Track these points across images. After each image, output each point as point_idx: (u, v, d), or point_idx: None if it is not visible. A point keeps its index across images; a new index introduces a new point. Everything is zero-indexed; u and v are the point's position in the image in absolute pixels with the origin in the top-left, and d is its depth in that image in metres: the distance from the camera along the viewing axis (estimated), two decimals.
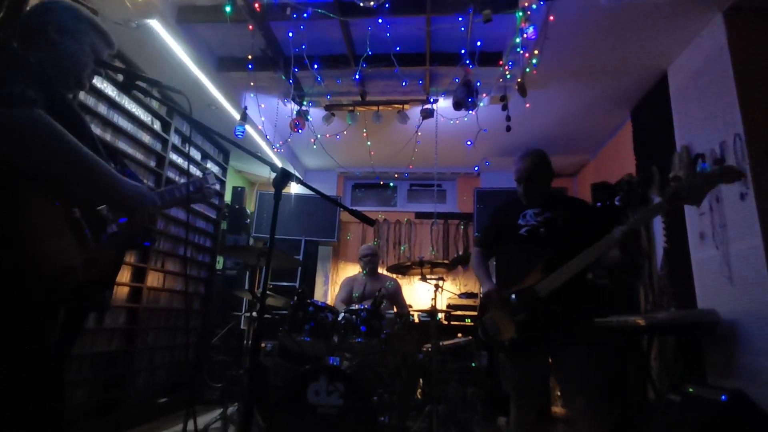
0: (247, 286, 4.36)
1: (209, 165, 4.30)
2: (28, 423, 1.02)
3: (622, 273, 3.38)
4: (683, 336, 2.64)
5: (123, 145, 3.06)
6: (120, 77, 1.35)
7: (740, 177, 1.48)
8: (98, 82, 2.79)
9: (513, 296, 1.84)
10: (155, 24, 2.68)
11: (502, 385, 1.95)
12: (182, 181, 1.55)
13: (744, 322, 2.25)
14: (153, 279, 3.38)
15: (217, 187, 1.71)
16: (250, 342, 2.88)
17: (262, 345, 3.07)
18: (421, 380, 3.14)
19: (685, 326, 2.49)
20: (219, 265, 4.60)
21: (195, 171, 3.89)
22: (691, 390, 2.17)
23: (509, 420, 1.92)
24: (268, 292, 2.60)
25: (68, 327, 1.16)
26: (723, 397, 1.96)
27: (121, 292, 3.08)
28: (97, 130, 2.82)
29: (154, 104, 3.37)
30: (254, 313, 2.75)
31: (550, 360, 1.89)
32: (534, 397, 1.89)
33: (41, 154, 0.98)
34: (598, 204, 3.81)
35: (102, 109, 2.86)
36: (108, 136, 2.92)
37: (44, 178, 1.01)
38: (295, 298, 2.72)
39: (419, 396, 3.17)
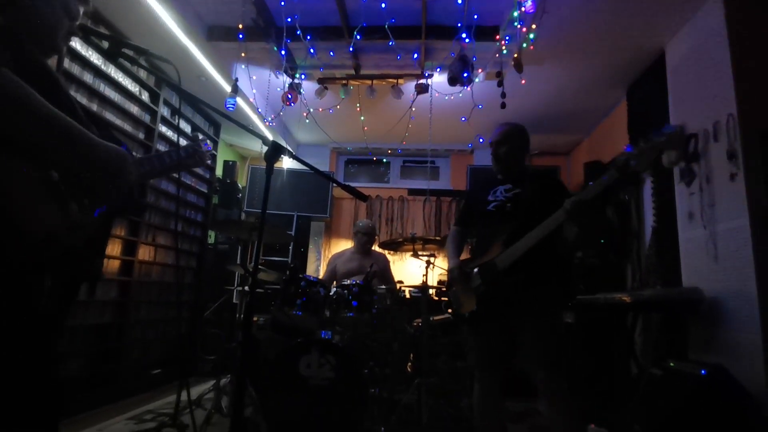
0: (239, 261, 4.37)
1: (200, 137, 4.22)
2: (18, 393, 1.02)
3: (592, 251, 3.39)
4: (667, 313, 2.71)
5: (110, 116, 2.98)
6: (105, 44, 1.30)
7: (687, 141, 1.60)
8: (83, 49, 2.70)
9: (475, 270, 1.88)
10: None
11: (467, 359, 1.99)
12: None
13: (726, 299, 2.31)
14: (144, 252, 3.36)
15: (210, 148, 1.66)
16: (242, 316, 2.90)
17: (255, 319, 3.10)
18: (411, 354, 3.20)
19: (669, 303, 2.55)
20: (211, 240, 4.58)
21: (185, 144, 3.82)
22: (672, 364, 2.24)
23: (474, 393, 1.93)
24: (260, 266, 2.61)
25: (58, 298, 1.14)
26: (703, 371, 2.02)
27: (112, 265, 3.06)
28: (83, 99, 2.74)
29: (142, 74, 3.28)
30: (246, 288, 2.77)
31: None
32: (495, 370, 1.89)
33: (6, 116, 0.95)
34: (590, 183, 3.82)
35: (87, 78, 2.77)
36: (95, 107, 2.85)
37: (13, 142, 0.98)
38: (287, 272, 2.73)
39: (409, 369, 3.24)
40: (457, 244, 2.13)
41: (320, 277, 3.79)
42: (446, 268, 2.00)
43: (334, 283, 3.04)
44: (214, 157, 4.47)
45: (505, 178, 2.01)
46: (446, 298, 2.05)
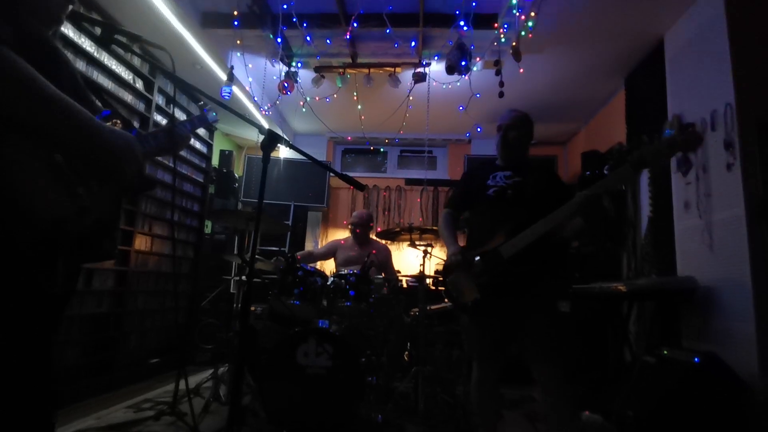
0: (236, 251, 4.37)
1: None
2: (19, 377, 1.01)
3: (590, 241, 3.45)
4: (662, 302, 2.73)
5: None
6: (98, 31, 1.27)
7: (700, 143, 1.52)
8: (75, 36, 2.66)
9: (477, 258, 1.84)
10: None
11: (465, 347, 1.97)
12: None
13: (720, 288, 2.33)
14: (140, 242, 3.35)
15: (216, 118, 1.63)
16: (239, 305, 2.91)
17: (252, 308, 3.10)
18: (408, 343, 3.23)
19: (664, 292, 2.57)
20: (208, 230, 4.57)
21: None
22: (666, 352, 2.26)
23: (471, 381, 1.93)
24: (257, 256, 2.60)
25: (67, 282, 1.12)
26: (696, 359, 2.05)
27: None
28: None
29: (136, 62, 3.23)
30: (243, 277, 2.77)
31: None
32: (496, 358, 1.90)
33: (7, 98, 0.92)
34: (587, 173, 3.84)
35: (80, 65, 2.73)
36: None
37: (16, 126, 0.95)
38: (284, 262, 2.73)
39: (406, 358, 3.27)
40: (453, 228, 2.07)
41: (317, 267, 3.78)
42: (445, 256, 1.97)
43: (332, 272, 3.05)
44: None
45: (506, 164, 1.97)
46: (444, 286, 2.01)
